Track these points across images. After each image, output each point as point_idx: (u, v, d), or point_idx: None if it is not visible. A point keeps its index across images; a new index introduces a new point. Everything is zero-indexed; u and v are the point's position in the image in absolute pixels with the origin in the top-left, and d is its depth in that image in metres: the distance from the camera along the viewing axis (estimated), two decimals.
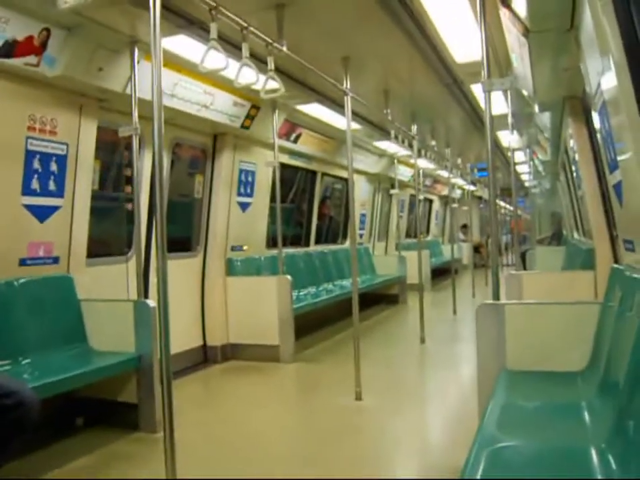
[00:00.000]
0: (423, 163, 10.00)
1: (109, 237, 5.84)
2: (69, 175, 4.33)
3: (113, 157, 5.76)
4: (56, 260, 4.32)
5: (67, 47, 3.84)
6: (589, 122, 5.30)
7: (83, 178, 4.47)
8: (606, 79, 2.72)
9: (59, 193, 4.28)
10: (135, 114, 4.27)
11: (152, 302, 4.06)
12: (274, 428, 4.26)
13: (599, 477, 1.79)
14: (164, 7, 2.89)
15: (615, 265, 3.41)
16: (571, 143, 6.36)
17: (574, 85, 4.94)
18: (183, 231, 6.49)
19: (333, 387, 5.18)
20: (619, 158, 2.80)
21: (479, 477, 1.77)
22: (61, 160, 4.26)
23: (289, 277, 6.13)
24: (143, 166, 5.25)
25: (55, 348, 4.07)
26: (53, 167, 4.20)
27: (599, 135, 3.46)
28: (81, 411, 4.21)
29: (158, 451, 3.35)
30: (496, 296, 3.29)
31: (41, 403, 2.73)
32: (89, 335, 4.33)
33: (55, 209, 4.26)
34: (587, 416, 2.38)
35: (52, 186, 4.21)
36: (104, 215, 5.68)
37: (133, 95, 4.27)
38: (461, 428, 3.90)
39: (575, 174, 7.40)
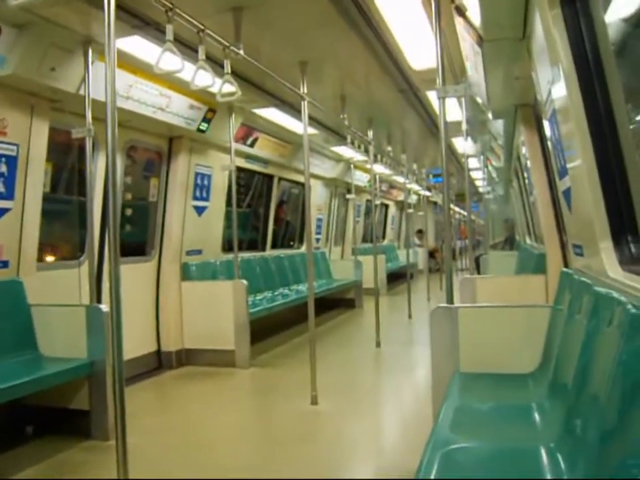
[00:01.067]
0: (379, 169, 10.09)
1: (61, 240, 5.71)
2: (19, 177, 4.23)
3: (66, 158, 5.64)
4: (5, 264, 4.20)
5: (17, 45, 3.75)
6: (540, 130, 5.43)
7: (34, 180, 4.36)
8: (556, 88, 2.80)
9: (9, 195, 4.17)
10: (89, 115, 4.20)
11: (105, 307, 3.98)
12: (229, 434, 4.23)
13: (548, 476, 1.84)
14: (119, 6, 2.86)
15: (565, 269, 3.50)
16: (523, 150, 6.50)
17: (526, 93, 5.05)
18: (137, 234, 6.40)
19: (289, 392, 5.17)
20: (568, 165, 2.87)
21: (432, 478, 1.79)
22: (11, 161, 4.15)
23: (244, 281, 6.10)
24: (97, 168, 5.15)
25: (3, 354, 3.95)
26: (3, 168, 4.09)
27: (549, 143, 3.55)
28: (30, 419, 4.10)
29: (110, 459, 3.28)
30: (450, 299, 3.33)
31: None
32: (40, 340, 4.22)
33: (4, 211, 4.15)
34: (537, 416, 2.43)
35: (1, 187, 4.10)
36: (55, 218, 5.56)
37: (87, 96, 4.19)
38: (416, 430, 3.94)
39: (527, 180, 7.56)
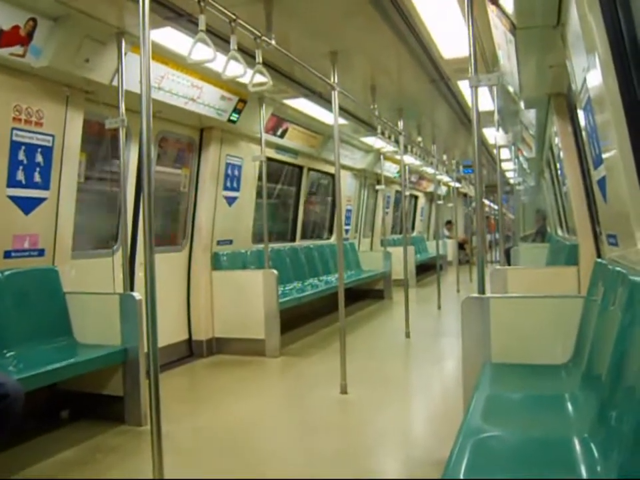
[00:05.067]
0: (408, 159, 10.03)
1: (95, 230, 5.80)
2: (54, 167, 4.30)
3: (99, 149, 5.71)
4: (41, 252, 4.29)
5: (53, 37, 3.82)
6: (573, 119, 5.35)
7: (69, 170, 4.44)
8: (591, 76, 2.75)
9: (45, 185, 4.25)
10: (122, 106, 4.25)
11: (138, 295, 4.05)
12: (259, 421, 4.27)
13: (582, 466, 1.82)
14: None
15: (599, 260, 3.45)
16: (556, 140, 6.41)
17: (559, 82, 4.99)
18: (168, 225, 6.46)
19: (319, 381, 5.19)
20: (603, 155, 2.83)
21: (464, 466, 1.80)
22: (47, 151, 4.23)
23: (274, 271, 6.13)
24: (129, 159, 5.22)
25: (40, 340, 4.04)
26: (39, 158, 4.17)
27: (583, 132, 3.49)
28: (66, 404, 4.19)
29: (143, 444, 3.36)
30: (481, 289, 3.31)
31: (26, 396, 2.72)
32: (74, 327, 4.31)
33: (40, 200, 4.23)
34: (570, 407, 2.41)
35: (37, 178, 4.18)
36: (89, 208, 5.64)
37: (120, 87, 4.25)
38: (446, 420, 3.94)
39: (559, 171, 7.46)
